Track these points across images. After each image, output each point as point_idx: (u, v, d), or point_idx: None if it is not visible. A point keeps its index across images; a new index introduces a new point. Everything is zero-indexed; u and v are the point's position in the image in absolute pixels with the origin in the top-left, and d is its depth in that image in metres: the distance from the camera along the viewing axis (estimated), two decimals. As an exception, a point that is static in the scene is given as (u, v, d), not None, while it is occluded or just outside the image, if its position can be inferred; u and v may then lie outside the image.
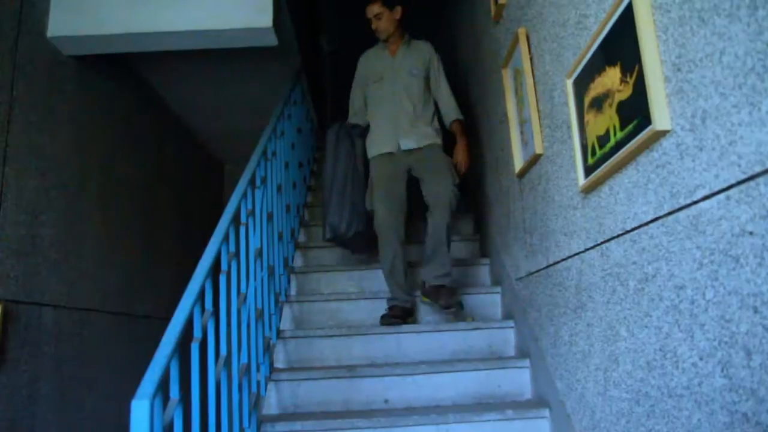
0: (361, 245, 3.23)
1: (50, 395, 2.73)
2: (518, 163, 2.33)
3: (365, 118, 3.21)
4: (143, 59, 3.72)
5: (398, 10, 3.08)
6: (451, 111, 3.10)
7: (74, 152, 3.11)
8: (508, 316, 2.78)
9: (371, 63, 3.19)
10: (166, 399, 1.44)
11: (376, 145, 3.04)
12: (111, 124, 3.58)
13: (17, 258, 2.57)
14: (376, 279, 3.16)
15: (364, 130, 3.18)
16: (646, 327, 1.30)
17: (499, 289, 2.95)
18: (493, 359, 2.56)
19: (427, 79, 3.09)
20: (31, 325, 2.64)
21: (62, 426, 2.80)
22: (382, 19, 3.04)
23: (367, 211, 3.02)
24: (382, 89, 3.08)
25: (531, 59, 2.14)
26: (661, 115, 1.17)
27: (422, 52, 3.12)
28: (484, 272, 3.24)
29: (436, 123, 3.07)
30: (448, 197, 2.81)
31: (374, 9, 3.05)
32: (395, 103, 3.02)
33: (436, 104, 3.13)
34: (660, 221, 1.22)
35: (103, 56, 3.26)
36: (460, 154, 3.02)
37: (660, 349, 1.24)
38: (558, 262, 1.93)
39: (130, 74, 3.91)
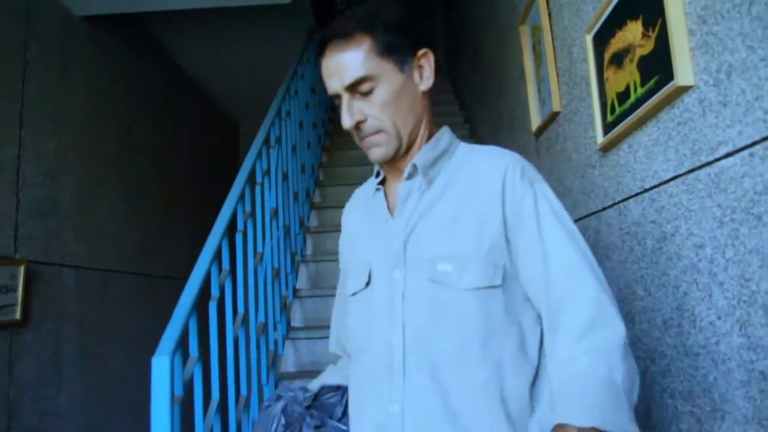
0: None
1: (74, 353, 2.81)
2: (535, 122, 2.29)
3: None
4: (156, 19, 3.68)
5: (429, 56, 1.04)
6: (573, 396, 0.84)
7: (89, 114, 3.12)
8: (523, 275, 2.77)
9: (353, 227, 1.22)
10: (186, 356, 1.47)
11: None
12: (125, 85, 3.57)
13: (37, 220, 2.60)
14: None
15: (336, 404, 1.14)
16: (664, 286, 1.30)
17: (514, 249, 2.94)
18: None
19: (500, 289, 0.95)
20: (54, 286, 2.69)
21: (86, 383, 2.88)
22: (373, 97, 0.99)
23: None
24: (365, 315, 1.05)
25: (549, 14, 2.08)
26: (684, 70, 1.13)
27: (478, 195, 1.00)
28: (499, 232, 3.23)
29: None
30: None
31: (341, 61, 0.98)
32: (387, 370, 0.97)
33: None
34: (680, 179, 1.20)
35: (116, 16, 3.24)
36: None
37: (677, 308, 1.24)
38: (576, 221, 1.91)
39: (143, 35, 3.88)
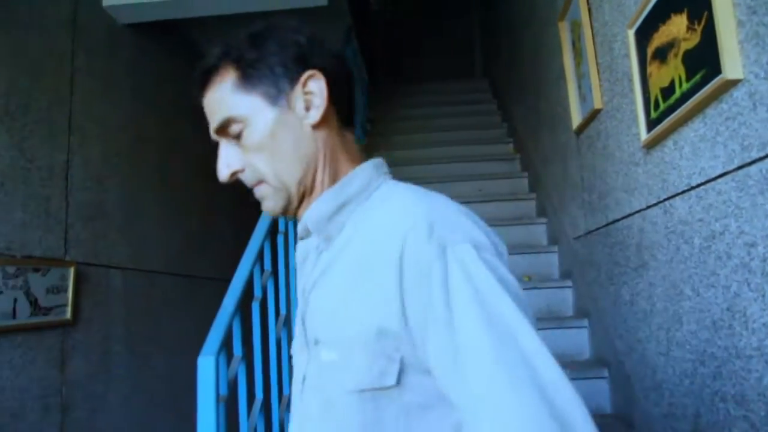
0: None
1: (122, 353, 2.88)
2: (576, 120, 2.26)
3: None
4: (195, 25, 3.76)
5: (317, 78, 0.77)
6: None
7: (133, 118, 3.20)
8: (565, 275, 2.74)
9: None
10: (230, 356, 1.49)
11: None
12: (167, 89, 3.65)
13: (86, 222, 2.68)
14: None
15: None
16: (713, 286, 1.26)
17: (556, 247, 2.90)
18: (551, 319, 2.54)
19: (394, 390, 0.66)
20: (101, 287, 2.77)
21: (134, 382, 2.96)
22: (244, 142, 0.78)
23: None
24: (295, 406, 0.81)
25: (589, 10, 2.05)
26: (732, 64, 1.10)
27: (373, 262, 0.69)
28: (540, 231, 3.19)
29: None
30: None
31: (210, 101, 0.80)
32: None
33: None
34: (729, 176, 1.16)
35: (157, 23, 3.31)
36: None
37: (728, 309, 1.20)
38: (618, 220, 1.87)
39: (184, 41, 3.96)
